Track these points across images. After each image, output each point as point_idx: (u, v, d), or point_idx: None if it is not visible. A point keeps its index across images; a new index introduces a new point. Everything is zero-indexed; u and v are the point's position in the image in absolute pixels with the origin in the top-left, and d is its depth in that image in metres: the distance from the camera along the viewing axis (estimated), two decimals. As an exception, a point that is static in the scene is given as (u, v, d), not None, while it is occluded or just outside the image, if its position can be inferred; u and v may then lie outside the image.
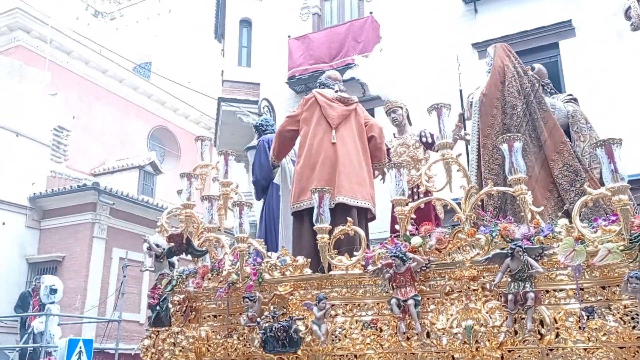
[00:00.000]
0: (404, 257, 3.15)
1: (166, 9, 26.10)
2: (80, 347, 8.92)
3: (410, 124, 5.53)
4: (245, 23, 14.09)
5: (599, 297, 2.84)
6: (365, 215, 4.22)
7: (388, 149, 5.28)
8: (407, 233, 3.34)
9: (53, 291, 11.09)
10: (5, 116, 15.04)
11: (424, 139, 5.20)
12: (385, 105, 5.45)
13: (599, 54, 9.28)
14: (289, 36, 12.40)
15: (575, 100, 4.81)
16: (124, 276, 13.06)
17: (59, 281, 11.78)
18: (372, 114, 5.66)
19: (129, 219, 15.74)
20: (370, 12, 11.86)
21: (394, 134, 5.56)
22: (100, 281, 14.88)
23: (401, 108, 5.40)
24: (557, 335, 2.86)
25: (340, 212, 3.92)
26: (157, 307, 3.70)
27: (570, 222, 2.98)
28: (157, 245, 3.85)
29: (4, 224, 14.71)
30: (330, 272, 3.45)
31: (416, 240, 3.27)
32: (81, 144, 18.78)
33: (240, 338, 3.53)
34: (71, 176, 16.47)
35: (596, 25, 9.53)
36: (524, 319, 2.87)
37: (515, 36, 9.83)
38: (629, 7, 4.18)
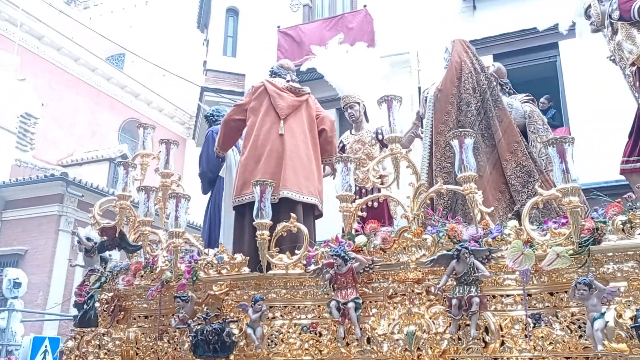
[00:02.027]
0: (346, 257, 2.95)
1: (142, 0, 25.56)
2: (45, 346, 8.53)
3: (367, 120, 5.36)
4: (232, 12, 13.73)
5: (546, 304, 2.69)
6: (312, 212, 4.02)
7: (343, 145, 5.11)
8: (352, 231, 3.15)
9: (17, 285, 10.61)
10: (-31, 101, 14.57)
11: (380, 136, 5.01)
12: (342, 100, 5.26)
13: (599, 56, 9.03)
14: (278, 27, 12.03)
15: (533, 101, 4.70)
16: (94, 271, 12.64)
17: (24, 275, 11.31)
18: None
19: (98, 213, 15.30)
20: (364, 5, 11.52)
21: (350, 131, 5.38)
22: (65, 277, 14.45)
23: (358, 104, 5.24)
24: (502, 343, 2.70)
25: (285, 207, 3.72)
26: (84, 306, 3.44)
27: (521, 224, 2.81)
28: (88, 239, 3.60)
29: (-39, 213, 14.23)
30: (270, 272, 3.23)
31: (360, 239, 3.09)
32: (49, 133, 18.27)
33: (171, 341, 3.30)
34: (37, 166, 16.04)
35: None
36: (468, 325, 2.70)
37: (514, 34, 9.55)
38: (589, 6, 3.95)
